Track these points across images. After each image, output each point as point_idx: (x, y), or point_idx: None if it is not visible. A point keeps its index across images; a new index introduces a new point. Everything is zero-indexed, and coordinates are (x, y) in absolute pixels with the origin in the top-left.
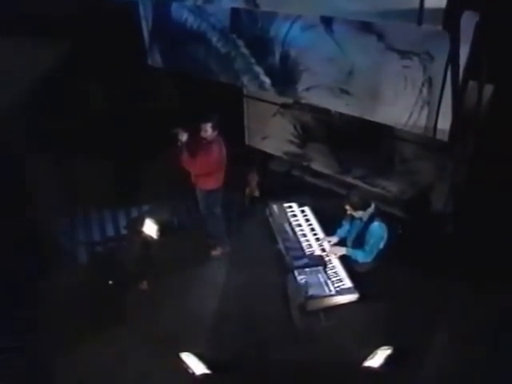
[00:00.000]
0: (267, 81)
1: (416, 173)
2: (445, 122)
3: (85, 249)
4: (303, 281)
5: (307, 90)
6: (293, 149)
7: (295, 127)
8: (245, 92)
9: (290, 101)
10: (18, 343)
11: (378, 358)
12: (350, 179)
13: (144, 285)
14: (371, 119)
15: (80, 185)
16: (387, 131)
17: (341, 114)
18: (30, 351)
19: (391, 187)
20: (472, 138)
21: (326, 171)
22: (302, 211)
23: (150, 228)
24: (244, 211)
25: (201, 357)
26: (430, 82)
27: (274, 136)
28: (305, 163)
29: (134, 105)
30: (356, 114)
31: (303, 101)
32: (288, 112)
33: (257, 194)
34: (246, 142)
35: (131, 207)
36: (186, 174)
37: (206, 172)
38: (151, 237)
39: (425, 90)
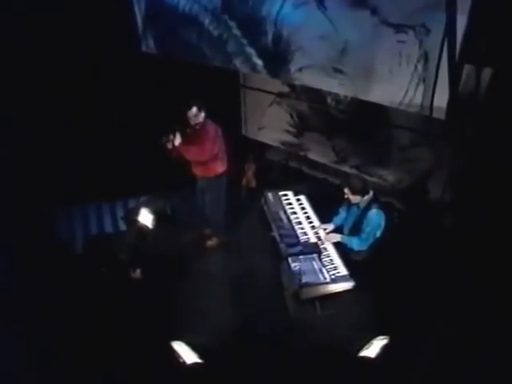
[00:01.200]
0: (259, 62)
1: (413, 161)
2: (441, 99)
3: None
4: (297, 268)
5: (300, 70)
6: (289, 138)
7: (292, 116)
8: (241, 82)
9: (286, 89)
10: None
11: (373, 348)
12: (346, 168)
13: (137, 273)
14: (365, 99)
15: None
16: (384, 119)
17: (337, 102)
18: None
19: (388, 176)
20: (471, 122)
21: (322, 161)
22: (298, 199)
23: (146, 218)
24: (241, 201)
25: (193, 346)
26: (425, 56)
27: (270, 126)
28: (302, 153)
29: (129, 95)
30: (350, 93)
31: (296, 82)
32: (284, 101)
33: (253, 184)
34: (243, 133)
35: (128, 198)
36: (185, 164)
37: (206, 158)
38: (146, 226)
39: (420, 66)
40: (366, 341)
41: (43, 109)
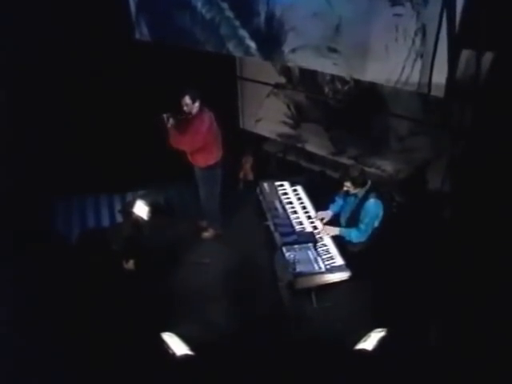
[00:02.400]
0: (252, 45)
1: (412, 150)
2: (440, 76)
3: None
4: (291, 257)
5: (293, 51)
6: (287, 130)
7: (289, 108)
8: (238, 73)
9: (283, 80)
10: None
11: (371, 341)
12: (344, 160)
13: (130, 264)
14: (361, 78)
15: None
16: (382, 108)
17: (334, 92)
18: None
19: (386, 166)
20: (470, 108)
21: (320, 152)
22: (294, 190)
23: (141, 209)
24: (238, 194)
25: (186, 338)
26: (423, 30)
27: (267, 118)
28: (299, 145)
29: (125, 85)
30: (344, 73)
31: (290, 63)
32: (281, 92)
33: (251, 177)
34: (241, 126)
35: (126, 191)
36: (180, 155)
37: (199, 147)
38: (142, 218)
39: (418, 41)
40: (363, 333)
41: (39, 99)
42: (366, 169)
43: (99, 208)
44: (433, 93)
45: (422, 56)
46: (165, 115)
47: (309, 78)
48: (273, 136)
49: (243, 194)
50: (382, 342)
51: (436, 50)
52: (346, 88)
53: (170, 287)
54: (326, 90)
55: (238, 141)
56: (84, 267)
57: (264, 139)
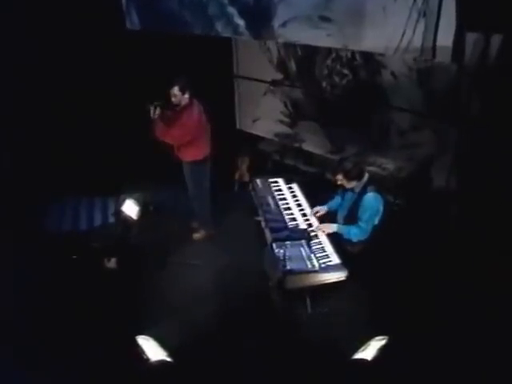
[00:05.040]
0: (241, 23)
1: (414, 146)
2: (446, 37)
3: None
4: (281, 253)
5: (284, 25)
6: (284, 129)
7: (286, 105)
8: (234, 72)
9: (279, 76)
10: None
11: (370, 350)
12: None
13: (111, 263)
14: (357, 48)
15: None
16: (381, 100)
17: (332, 86)
18: None
19: (387, 165)
20: (478, 97)
21: (318, 151)
22: (290, 188)
23: (130, 208)
24: (233, 196)
25: (164, 342)
26: None
27: (265, 117)
28: (296, 144)
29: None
30: (339, 45)
31: (280, 40)
32: (278, 90)
33: (247, 178)
34: (238, 127)
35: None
36: (168, 149)
37: (187, 140)
38: (131, 217)
39: None
40: (363, 342)
41: (30, 96)
42: (366, 167)
43: (92, 209)
44: (438, 58)
45: (424, 15)
46: (151, 105)
47: (306, 72)
48: (270, 136)
49: (238, 195)
50: (382, 352)
51: (441, 6)
52: (344, 82)
53: (155, 288)
54: (324, 84)
55: (234, 141)
56: (62, 264)
57: (260, 139)
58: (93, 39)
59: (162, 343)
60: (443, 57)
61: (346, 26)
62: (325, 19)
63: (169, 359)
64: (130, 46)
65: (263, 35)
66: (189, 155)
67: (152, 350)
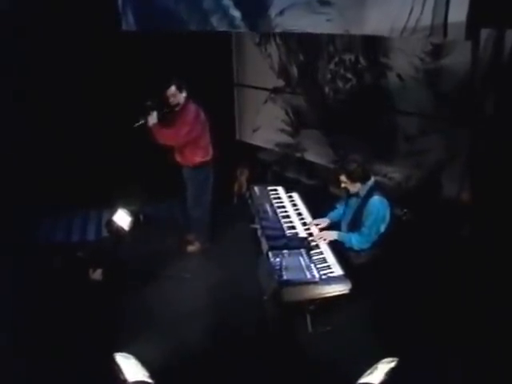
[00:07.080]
0: (237, 15)
1: (422, 153)
2: (458, 12)
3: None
4: (278, 262)
5: (281, 13)
6: (285, 138)
7: (287, 113)
8: (235, 80)
9: (281, 83)
10: None
11: (378, 374)
12: None
13: (97, 274)
14: (359, 33)
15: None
16: (386, 104)
17: (335, 92)
18: None
19: (394, 173)
20: (492, 97)
21: (320, 161)
22: (290, 196)
23: (122, 219)
24: (231, 208)
25: (145, 362)
26: None
27: (265, 126)
28: (298, 154)
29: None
30: (340, 30)
31: (278, 29)
32: (279, 97)
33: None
34: (237, 137)
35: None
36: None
37: (187, 141)
38: (122, 228)
39: None
40: (369, 364)
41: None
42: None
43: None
44: (450, 36)
45: None
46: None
47: (308, 77)
48: (270, 146)
49: (237, 208)
50: (391, 376)
51: None
52: (347, 86)
53: (141, 302)
54: (327, 89)
55: (234, 152)
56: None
57: (261, 149)
58: (89, 42)
59: (144, 362)
60: (456, 34)
61: (346, 9)
62: (324, 3)
63: (150, 380)
64: (127, 51)
65: (260, 26)
66: (190, 157)
67: (131, 370)
